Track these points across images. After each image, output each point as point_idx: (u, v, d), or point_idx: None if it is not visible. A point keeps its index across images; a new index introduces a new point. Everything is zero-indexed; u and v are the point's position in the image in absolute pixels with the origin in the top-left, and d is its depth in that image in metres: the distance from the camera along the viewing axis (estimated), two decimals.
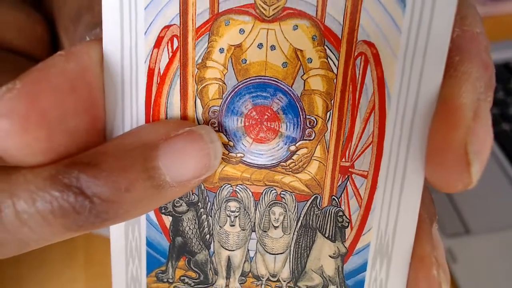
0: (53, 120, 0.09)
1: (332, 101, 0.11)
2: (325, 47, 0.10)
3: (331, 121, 0.11)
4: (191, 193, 0.11)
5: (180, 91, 0.11)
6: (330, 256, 0.11)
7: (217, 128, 0.11)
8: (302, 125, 0.11)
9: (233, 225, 0.12)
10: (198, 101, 0.11)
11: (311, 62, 0.10)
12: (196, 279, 0.12)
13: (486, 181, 0.30)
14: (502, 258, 0.27)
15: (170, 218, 0.11)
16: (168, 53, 0.10)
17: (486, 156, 0.09)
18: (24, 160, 0.10)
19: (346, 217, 0.11)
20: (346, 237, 0.11)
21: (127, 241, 0.11)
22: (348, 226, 0.11)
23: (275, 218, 0.11)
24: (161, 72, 0.10)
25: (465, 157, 0.09)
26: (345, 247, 0.11)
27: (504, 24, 0.47)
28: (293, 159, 0.11)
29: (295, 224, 0.11)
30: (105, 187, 0.10)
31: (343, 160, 0.11)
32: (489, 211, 0.29)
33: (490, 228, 0.28)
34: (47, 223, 0.11)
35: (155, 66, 0.10)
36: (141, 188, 0.10)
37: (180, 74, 0.10)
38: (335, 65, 0.10)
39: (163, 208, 0.11)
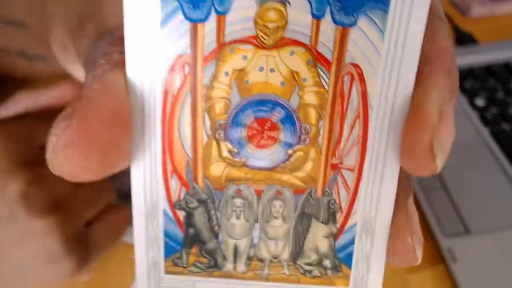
0: (104, 145, 0.12)
1: (324, 112, 0.13)
2: (318, 68, 0.13)
3: (323, 128, 0.13)
4: (201, 192, 0.14)
5: (191, 109, 0.13)
6: (324, 236, 0.14)
7: (223, 138, 0.13)
8: (298, 132, 0.13)
9: (239, 218, 0.14)
10: (206, 116, 0.13)
11: (305, 81, 0.13)
12: (207, 264, 0.14)
13: (486, 181, 0.31)
14: (502, 258, 0.28)
15: (184, 213, 0.14)
16: (181, 77, 0.13)
17: (449, 148, 0.12)
18: (82, 178, 0.12)
19: (336, 204, 0.14)
20: (337, 220, 0.14)
21: (147, 232, 0.14)
22: (338, 211, 0.14)
23: (275, 210, 0.14)
24: (175, 93, 0.13)
25: (431, 150, 0.12)
26: (336, 228, 0.14)
27: (504, 24, 0.48)
28: (290, 161, 0.13)
29: (293, 213, 0.14)
30: None
31: (334, 158, 0.13)
32: (489, 211, 0.30)
33: (490, 228, 0.29)
34: None
35: (169, 89, 0.13)
36: None
37: (191, 94, 0.13)
38: (326, 83, 0.13)
39: (177, 204, 0.14)
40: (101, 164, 0.12)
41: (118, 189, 0.28)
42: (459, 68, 0.42)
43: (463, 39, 0.45)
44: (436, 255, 0.29)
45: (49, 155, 0.12)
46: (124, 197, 0.29)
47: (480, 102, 0.38)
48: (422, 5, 0.12)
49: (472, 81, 0.39)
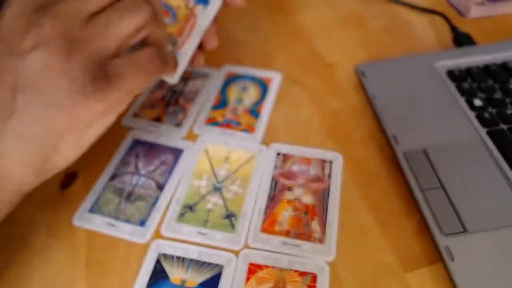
0: None
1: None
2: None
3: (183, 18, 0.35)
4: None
5: None
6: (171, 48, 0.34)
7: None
8: (176, 16, 0.35)
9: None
10: None
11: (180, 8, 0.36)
12: None
13: (483, 180, 0.32)
14: (498, 256, 0.28)
15: None
16: None
17: None
18: None
19: (178, 39, 0.34)
20: (177, 44, 0.34)
21: None
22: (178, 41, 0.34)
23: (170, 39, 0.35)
24: None
25: None
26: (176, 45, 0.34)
27: (501, 24, 0.48)
28: (173, 26, 0.35)
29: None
30: None
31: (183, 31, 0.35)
32: (486, 211, 0.30)
33: (487, 227, 0.29)
34: None
35: None
36: None
37: None
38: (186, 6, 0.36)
39: None
40: None
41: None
42: (458, 68, 0.43)
43: (461, 39, 0.45)
44: (434, 254, 0.29)
45: None
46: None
47: (478, 102, 0.38)
48: None
49: (470, 82, 0.40)
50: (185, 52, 0.34)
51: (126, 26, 0.26)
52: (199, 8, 0.35)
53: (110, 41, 0.25)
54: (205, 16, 0.35)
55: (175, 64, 0.31)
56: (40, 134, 0.24)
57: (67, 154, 0.26)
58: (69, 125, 0.24)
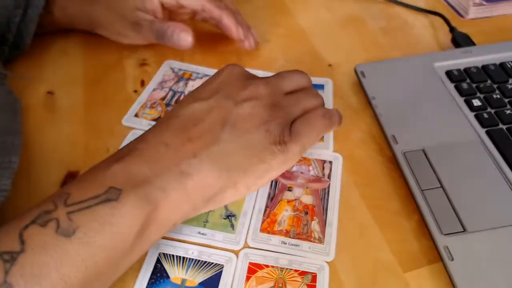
0: None
1: None
2: None
3: None
4: None
5: None
6: None
7: None
8: None
9: None
10: None
11: None
12: None
13: (482, 180, 0.32)
14: (497, 256, 0.28)
15: None
16: None
17: None
18: None
19: None
20: None
21: None
22: None
23: None
24: None
25: None
26: None
27: (500, 25, 0.48)
28: None
29: None
30: None
31: None
32: (485, 210, 0.30)
33: (487, 226, 0.29)
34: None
35: None
36: None
37: None
38: None
39: None
40: None
41: None
42: (456, 68, 0.43)
43: (460, 40, 0.45)
44: (433, 253, 0.29)
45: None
46: None
47: (476, 102, 0.38)
48: None
49: (468, 82, 0.40)
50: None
51: (309, 103, 0.34)
52: None
53: (297, 110, 0.33)
54: None
55: (340, 118, 0.35)
56: (229, 167, 0.28)
57: (237, 192, 0.29)
58: (253, 166, 0.29)
